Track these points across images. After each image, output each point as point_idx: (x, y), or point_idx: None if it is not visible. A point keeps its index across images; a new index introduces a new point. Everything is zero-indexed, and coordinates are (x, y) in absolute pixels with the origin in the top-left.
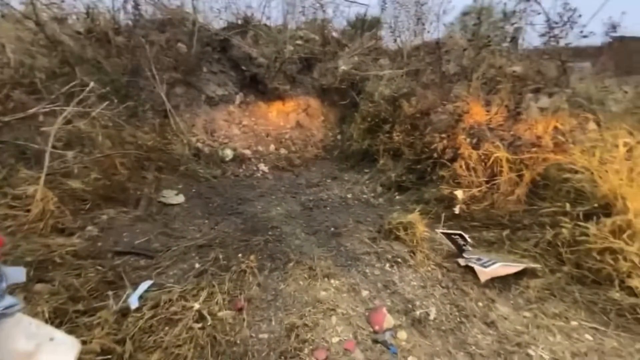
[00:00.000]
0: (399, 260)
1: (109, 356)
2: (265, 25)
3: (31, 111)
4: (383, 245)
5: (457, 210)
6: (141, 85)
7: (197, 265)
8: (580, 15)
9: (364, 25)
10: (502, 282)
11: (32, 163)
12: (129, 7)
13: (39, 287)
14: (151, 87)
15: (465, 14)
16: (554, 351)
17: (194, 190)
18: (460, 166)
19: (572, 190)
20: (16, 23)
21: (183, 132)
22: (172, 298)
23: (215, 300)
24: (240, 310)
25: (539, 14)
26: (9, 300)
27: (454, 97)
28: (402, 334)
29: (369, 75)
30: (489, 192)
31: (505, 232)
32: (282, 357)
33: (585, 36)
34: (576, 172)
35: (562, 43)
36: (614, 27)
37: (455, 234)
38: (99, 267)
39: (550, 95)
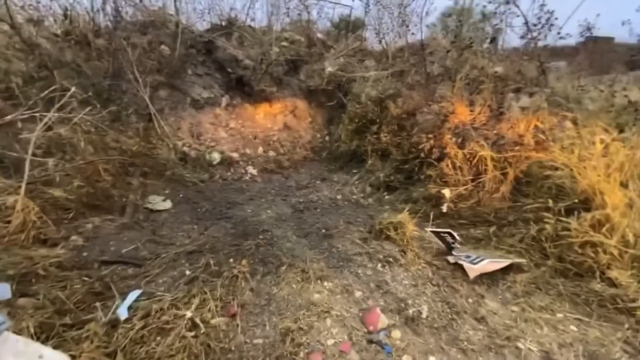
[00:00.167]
0: (390, 259)
1: None
2: (250, 26)
3: (8, 118)
4: (374, 246)
5: (444, 208)
6: (124, 88)
7: (187, 272)
8: (556, 18)
9: (349, 27)
10: (490, 278)
11: (11, 172)
12: (109, 8)
13: (22, 301)
14: (134, 91)
15: (446, 15)
16: (542, 343)
17: (181, 195)
18: (447, 165)
19: (554, 186)
20: None
21: (168, 136)
22: (163, 307)
23: (208, 307)
24: (233, 316)
25: (518, 16)
26: None
27: (439, 97)
28: (396, 333)
29: (355, 76)
30: (475, 190)
31: (492, 229)
32: None
33: (562, 37)
34: (556, 169)
35: (540, 44)
36: (589, 28)
37: (444, 232)
38: (86, 278)
39: (531, 94)
